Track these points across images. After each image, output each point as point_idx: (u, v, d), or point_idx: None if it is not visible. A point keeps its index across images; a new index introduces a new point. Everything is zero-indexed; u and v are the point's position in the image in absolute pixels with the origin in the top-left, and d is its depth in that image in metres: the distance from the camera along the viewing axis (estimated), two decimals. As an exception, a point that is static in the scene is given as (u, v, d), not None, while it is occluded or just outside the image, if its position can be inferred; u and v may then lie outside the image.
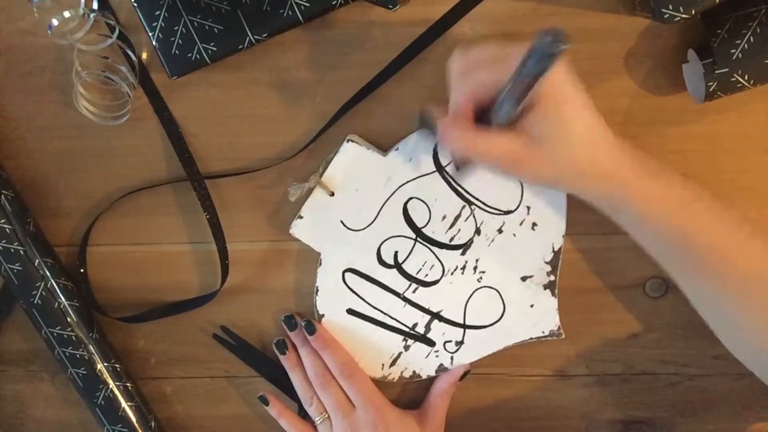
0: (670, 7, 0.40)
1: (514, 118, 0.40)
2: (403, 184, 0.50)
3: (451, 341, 0.53)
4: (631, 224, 0.43)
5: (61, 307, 0.52)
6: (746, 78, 0.43)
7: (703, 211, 0.42)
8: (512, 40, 0.47)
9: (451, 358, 0.53)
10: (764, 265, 0.42)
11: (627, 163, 0.41)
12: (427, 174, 0.49)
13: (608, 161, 0.41)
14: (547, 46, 0.32)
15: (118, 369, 0.54)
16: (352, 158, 0.49)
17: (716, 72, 0.43)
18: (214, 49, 0.46)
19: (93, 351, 0.53)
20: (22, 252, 0.50)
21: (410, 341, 0.53)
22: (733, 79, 0.43)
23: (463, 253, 0.51)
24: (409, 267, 0.51)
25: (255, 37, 0.45)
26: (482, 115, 0.41)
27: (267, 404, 0.54)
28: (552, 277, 0.51)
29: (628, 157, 0.41)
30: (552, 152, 0.40)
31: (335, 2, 0.44)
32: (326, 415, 0.53)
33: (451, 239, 0.51)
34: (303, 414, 0.55)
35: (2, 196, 0.50)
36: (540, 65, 0.34)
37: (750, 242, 0.42)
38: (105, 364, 0.53)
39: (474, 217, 0.50)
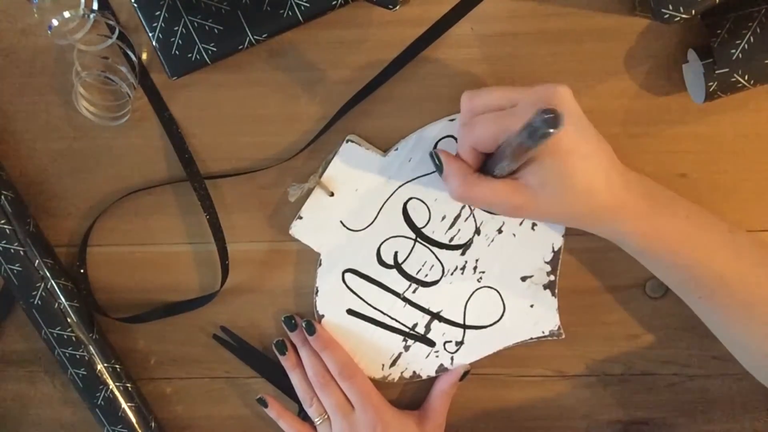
0: (670, 7, 0.40)
1: (515, 169, 0.41)
2: (403, 185, 0.50)
3: (451, 341, 0.53)
4: (635, 255, 0.45)
5: (61, 307, 0.52)
6: (746, 78, 0.43)
7: (706, 242, 0.42)
8: (514, 40, 0.47)
9: (451, 358, 0.53)
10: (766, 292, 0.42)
11: (630, 203, 0.41)
12: (426, 174, 0.49)
13: (609, 205, 0.41)
14: (539, 126, 0.33)
15: (118, 369, 0.54)
16: (351, 158, 0.49)
17: (716, 72, 0.43)
18: (214, 49, 0.46)
19: (93, 351, 0.53)
20: (22, 252, 0.50)
21: (410, 341, 0.53)
22: (733, 79, 0.43)
23: (462, 254, 0.51)
24: (409, 267, 0.51)
25: (255, 37, 0.45)
26: (487, 162, 0.43)
27: (266, 406, 0.54)
28: (552, 277, 0.51)
29: (633, 195, 0.42)
30: (550, 200, 0.41)
31: (335, 2, 0.44)
32: (326, 416, 0.53)
33: (451, 239, 0.51)
34: (303, 415, 0.55)
35: (2, 197, 0.50)
36: (531, 140, 0.35)
37: (754, 270, 0.43)
38: (105, 364, 0.53)
39: (474, 217, 0.50)
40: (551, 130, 0.33)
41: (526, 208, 0.42)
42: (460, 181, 0.42)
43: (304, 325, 0.52)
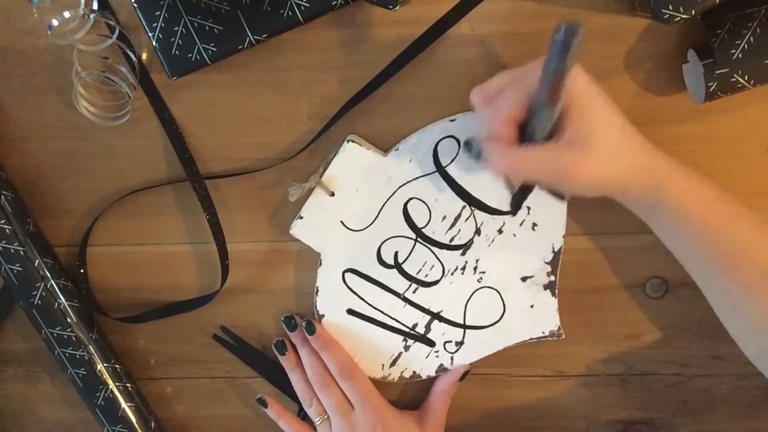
0: (670, 7, 0.40)
1: (552, 130, 0.40)
2: (404, 185, 0.50)
3: (451, 341, 0.53)
4: (664, 222, 0.44)
5: (61, 307, 0.52)
6: (746, 78, 0.43)
7: (732, 212, 0.42)
8: (514, 40, 0.47)
9: (451, 358, 0.53)
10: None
11: (660, 158, 0.42)
12: (427, 174, 0.49)
13: (645, 155, 0.41)
14: (563, 36, 0.33)
15: (118, 369, 0.54)
16: (352, 158, 0.49)
17: (716, 72, 0.43)
18: (214, 49, 0.46)
19: (93, 351, 0.53)
20: (22, 252, 0.50)
21: (410, 341, 0.53)
22: (733, 79, 0.43)
23: (463, 254, 0.51)
24: (409, 267, 0.51)
25: (255, 37, 0.45)
26: (522, 136, 0.42)
27: (266, 406, 0.54)
28: (552, 278, 0.51)
29: (659, 152, 0.42)
30: (595, 151, 0.40)
31: (335, 2, 0.44)
32: (326, 416, 0.53)
33: (452, 239, 0.51)
34: (303, 415, 0.55)
35: (2, 197, 0.50)
36: (561, 58, 0.34)
37: (762, 248, 0.42)
38: (105, 364, 0.53)
39: (474, 217, 0.50)
40: (577, 33, 0.33)
41: (572, 169, 0.40)
42: (506, 154, 0.41)
43: (304, 324, 0.52)
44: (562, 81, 0.37)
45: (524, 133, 0.41)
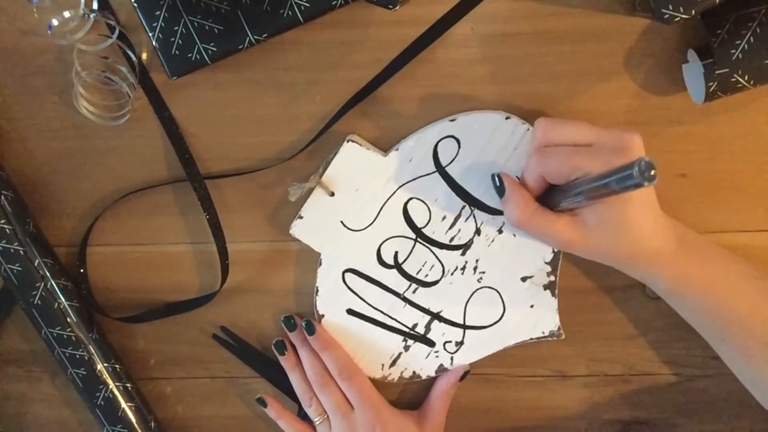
0: (670, 7, 0.40)
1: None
2: (404, 185, 0.50)
3: (451, 341, 0.53)
4: (663, 295, 0.47)
5: (61, 307, 0.52)
6: (746, 78, 0.43)
7: (731, 287, 0.45)
8: (514, 40, 0.47)
9: (451, 358, 0.53)
10: None
11: (665, 249, 0.44)
12: (427, 174, 0.49)
13: (648, 250, 0.43)
14: (637, 178, 0.34)
15: (118, 369, 0.54)
16: (352, 158, 0.49)
17: (716, 72, 0.43)
18: (214, 49, 0.46)
19: (93, 351, 0.53)
20: (22, 252, 0.50)
21: (410, 341, 0.53)
22: (733, 79, 0.43)
23: (463, 254, 0.51)
24: (409, 267, 0.51)
25: (255, 37, 0.45)
26: (548, 191, 0.44)
27: (265, 406, 0.54)
28: (552, 278, 0.51)
29: (669, 242, 0.44)
30: (601, 240, 0.43)
31: (335, 2, 0.44)
32: (325, 416, 0.53)
33: (451, 239, 0.51)
34: (302, 415, 0.55)
35: (2, 196, 0.50)
36: (619, 186, 0.36)
37: None
38: (105, 364, 0.53)
39: (474, 217, 0.50)
40: (646, 183, 0.34)
41: (576, 244, 0.44)
42: (522, 210, 0.44)
43: (304, 324, 0.52)
44: (608, 197, 0.39)
45: (549, 193, 0.44)
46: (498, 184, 0.45)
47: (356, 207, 0.50)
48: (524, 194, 0.44)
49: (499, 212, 0.50)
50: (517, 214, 0.44)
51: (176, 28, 0.45)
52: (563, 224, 0.43)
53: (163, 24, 0.45)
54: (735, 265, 0.46)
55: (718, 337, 0.46)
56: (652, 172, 0.34)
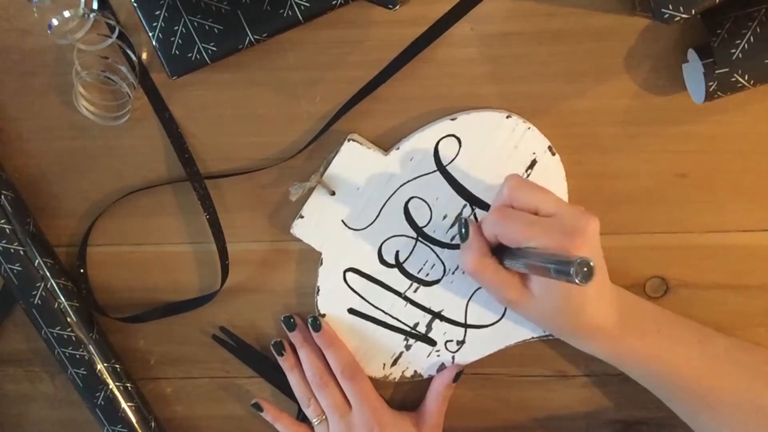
0: (670, 7, 0.40)
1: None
2: (404, 184, 0.50)
3: (452, 341, 0.53)
4: (624, 368, 0.48)
5: (61, 307, 0.52)
6: (746, 78, 0.43)
7: (674, 355, 0.46)
8: (514, 40, 0.47)
9: (453, 357, 0.53)
10: (738, 399, 0.45)
11: (606, 326, 0.45)
12: (428, 173, 0.49)
13: (587, 326, 0.45)
14: (572, 274, 0.35)
15: (118, 369, 0.54)
16: (353, 158, 0.49)
17: (716, 72, 0.43)
18: (214, 49, 0.46)
19: (93, 351, 0.53)
20: (22, 252, 0.50)
21: (411, 341, 0.53)
22: (733, 79, 0.43)
23: (463, 253, 0.51)
24: (411, 266, 0.51)
25: (255, 37, 0.45)
26: (503, 249, 0.45)
27: (261, 411, 0.54)
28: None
29: (612, 314, 0.45)
30: (541, 309, 0.45)
31: (335, 2, 0.44)
32: (324, 417, 0.53)
33: (453, 238, 0.51)
34: (302, 416, 0.55)
35: (2, 196, 0.50)
36: (555, 275, 0.37)
37: (719, 381, 0.45)
38: (105, 364, 0.53)
39: (475, 215, 0.50)
40: (579, 282, 0.35)
41: (519, 307, 0.46)
42: (476, 261, 0.45)
43: (309, 321, 0.52)
44: (543, 277, 0.41)
45: (500, 247, 0.45)
46: (464, 230, 0.46)
47: (357, 206, 0.50)
48: (483, 246, 0.45)
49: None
50: (473, 263, 0.45)
51: (176, 27, 0.45)
52: (511, 285, 0.45)
53: (163, 24, 0.45)
54: (679, 332, 0.47)
55: (665, 398, 0.49)
56: (587, 272, 0.35)
